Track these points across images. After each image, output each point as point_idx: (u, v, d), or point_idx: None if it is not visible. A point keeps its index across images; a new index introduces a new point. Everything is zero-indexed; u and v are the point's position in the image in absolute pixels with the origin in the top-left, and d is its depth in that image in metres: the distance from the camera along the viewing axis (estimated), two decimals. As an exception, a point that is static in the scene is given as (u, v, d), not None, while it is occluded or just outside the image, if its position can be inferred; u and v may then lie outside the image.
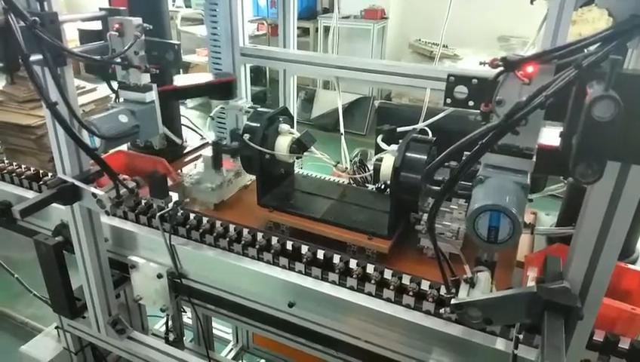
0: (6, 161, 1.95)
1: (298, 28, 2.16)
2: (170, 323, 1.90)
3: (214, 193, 1.80)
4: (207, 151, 1.85)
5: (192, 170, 1.89)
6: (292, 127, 1.70)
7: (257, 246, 1.45)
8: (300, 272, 1.41)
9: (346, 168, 1.89)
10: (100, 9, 1.42)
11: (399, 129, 1.65)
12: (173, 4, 7.55)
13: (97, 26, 1.47)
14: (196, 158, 2.06)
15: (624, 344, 1.10)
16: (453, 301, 1.00)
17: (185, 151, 2.27)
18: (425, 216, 1.49)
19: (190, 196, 1.81)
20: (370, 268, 1.35)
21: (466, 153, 0.85)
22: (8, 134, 4.41)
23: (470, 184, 1.00)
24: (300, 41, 2.25)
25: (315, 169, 2.16)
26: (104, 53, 1.37)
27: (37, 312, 3.21)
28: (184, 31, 6.91)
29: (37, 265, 1.70)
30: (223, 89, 1.90)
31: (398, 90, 6.17)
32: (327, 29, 6.84)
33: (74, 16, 1.32)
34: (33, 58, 1.12)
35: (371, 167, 1.73)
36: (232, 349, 2.80)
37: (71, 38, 1.34)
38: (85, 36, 1.53)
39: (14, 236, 1.94)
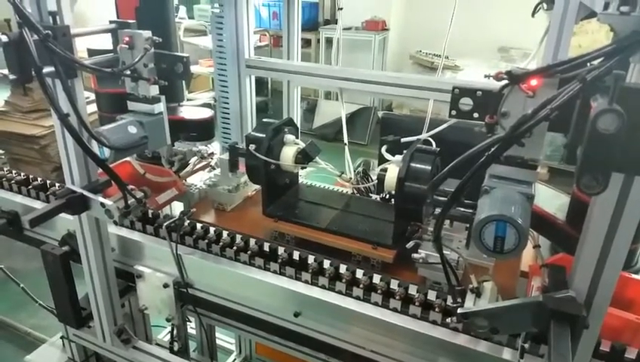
0: (14, 172, 1.96)
1: (301, 39, 2.19)
2: (174, 332, 1.90)
3: (231, 195, 1.88)
4: (224, 155, 1.88)
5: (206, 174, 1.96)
6: (297, 137, 1.72)
7: (264, 256, 1.46)
8: (306, 282, 1.41)
9: (350, 178, 1.90)
10: (110, 22, 1.45)
11: (403, 139, 1.67)
12: (176, 16, 7.62)
13: (107, 44, 1.50)
14: (202, 168, 2.08)
15: (631, 354, 1.11)
16: (459, 310, 1.01)
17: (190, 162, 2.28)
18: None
19: (207, 198, 1.91)
20: (376, 278, 1.35)
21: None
22: (12, 144, 4.44)
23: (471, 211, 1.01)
24: (302, 52, 2.28)
25: (318, 179, 2.17)
26: (114, 65, 1.40)
27: (40, 322, 3.20)
28: (187, 42, 6.96)
29: (40, 275, 1.70)
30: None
31: (399, 100, 6.22)
32: (329, 40, 6.92)
33: (85, 30, 1.35)
34: (46, 70, 1.15)
35: (375, 177, 1.74)
36: (235, 359, 2.79)
37: (80, 49, 1.36)
38: (94, 55, 1.55)
39: (17, 246, 1.94)
